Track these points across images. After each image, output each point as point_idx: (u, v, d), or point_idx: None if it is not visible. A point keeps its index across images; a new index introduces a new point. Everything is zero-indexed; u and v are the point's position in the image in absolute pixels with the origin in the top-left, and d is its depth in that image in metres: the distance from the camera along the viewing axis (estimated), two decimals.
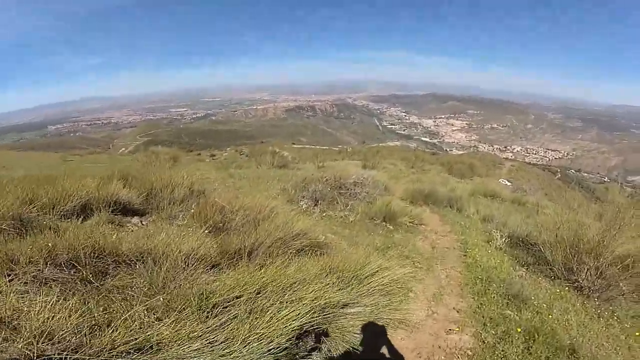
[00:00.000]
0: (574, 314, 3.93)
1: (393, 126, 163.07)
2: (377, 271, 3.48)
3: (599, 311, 4.11)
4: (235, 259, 3.53)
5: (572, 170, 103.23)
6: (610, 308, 4.17)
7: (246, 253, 3.52)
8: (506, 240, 6.33)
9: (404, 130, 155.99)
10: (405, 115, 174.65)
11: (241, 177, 10.40)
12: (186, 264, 3.08)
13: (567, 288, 4.54)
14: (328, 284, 2.92)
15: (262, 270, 2.85)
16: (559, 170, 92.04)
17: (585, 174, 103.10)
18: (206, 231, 4.45)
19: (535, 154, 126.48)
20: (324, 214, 6.72)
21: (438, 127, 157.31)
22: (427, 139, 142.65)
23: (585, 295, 4.39)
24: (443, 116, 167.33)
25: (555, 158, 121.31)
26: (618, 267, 4.22)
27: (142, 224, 5.16)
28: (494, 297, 4.06)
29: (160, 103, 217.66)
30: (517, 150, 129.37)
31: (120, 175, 8.10)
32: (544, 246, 5.15)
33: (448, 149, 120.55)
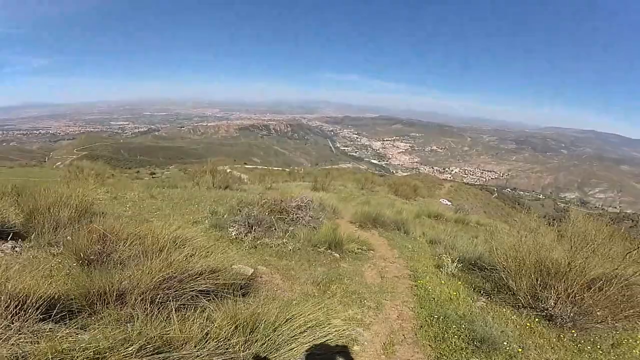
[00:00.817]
0: (552, 353, 3.37)
1: (346, 148, 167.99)
2: (306, 330, 2.57)
3: (578, 344, 3.60)
4: (98, 304, 2.45)
5: (508, 189, 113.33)
6: (590, 339, 3.70)
7: (114, 297, 2.43)
8: (458, 265, 5.85)
9: (355, 152, 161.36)
10: (357, 137, 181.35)
11: (166, 198, 8.97)
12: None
13: (536, 319, 4.03)
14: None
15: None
16: (495, 189, 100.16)
17: (521, 192, 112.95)
18: (75, 264, 3.31)
19: (473, 174, 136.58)
20: (258, 242, 5.70)
21: (385, 149, 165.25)
22: (376, 161, 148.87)
23: (559, 326, 3.91)
24: (389, 139, 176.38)
25: (491, 178, 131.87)
26: (591, 290, 3.79)
27: (15, 250, 4.01)
28: (455, 342, 3.37)
29: (102, 115, 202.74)
30: (456, 172, 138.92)
31: (13, 189, 6.46)
32: (505, 271, 4.67)
33: (394, 171, 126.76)
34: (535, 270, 4.31)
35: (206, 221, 6.55)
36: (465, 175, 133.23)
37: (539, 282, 4.24)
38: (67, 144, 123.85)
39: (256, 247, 5.47)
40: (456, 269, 5.76)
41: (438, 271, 5.82)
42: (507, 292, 4.66)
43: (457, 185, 63.16)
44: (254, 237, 5.75)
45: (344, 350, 2.88)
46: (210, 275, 3.07)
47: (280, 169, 54.91)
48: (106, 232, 3.88)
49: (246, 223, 5.95)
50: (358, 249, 6.25)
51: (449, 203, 41.87)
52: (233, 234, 5.74)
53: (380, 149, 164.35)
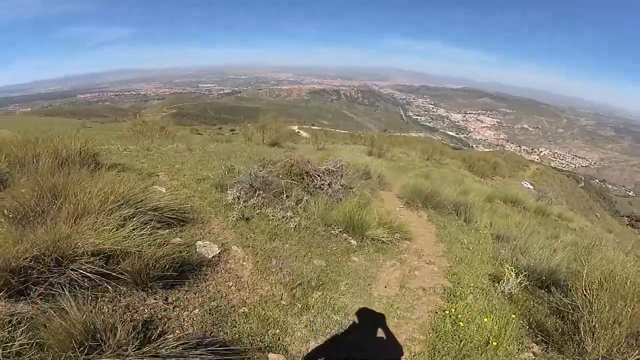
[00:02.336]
0: None
1: (419, 117, 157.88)
2: None
3: None
4: None
5: (597, 180, 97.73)
6: None
7: None
8: (522, 281, 4.00)
9: (429, 122, 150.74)
10: (433, 107, 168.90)
11: (204, 152, 8.38)
12: None
13: None
14: None
15: None
16: (583, 178, 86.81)
17: (610, 186, 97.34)
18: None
19: (562, 159, 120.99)
20: (257, 212, 4.55)
21: (467, 122, 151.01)
22: (452, 133, 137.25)
23: None
24: (473, 112, 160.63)
25: (581, 165, 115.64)
26: None
27: None
28: None
29: (189, 78, 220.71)
30: (544, 154, 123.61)
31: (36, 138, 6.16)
32: (585, 312, 2.83)
33: (474, 145, 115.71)
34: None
35: (216, 179, 5.65)
36: (554, 159, 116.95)
37: None
38: (157, 103, 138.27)
39: (248, 219, 4.33)
40: (517, 288, 3.94)
41: (491, 287, 4.05)
42: (578, 342, 2.84)
43: (543, 169, 55.04)
44: (254, 204, 4.63)
45: None
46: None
47: (345, 131, 53.44)
48: (42, 187, 3.10)
49: (250, 185, 4.85)
50: (387, 236, 4.71)
51: (531, 187, 36.34)
52: (229, 198, 4.69)
53: (461, 122, 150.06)
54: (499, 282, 4.09)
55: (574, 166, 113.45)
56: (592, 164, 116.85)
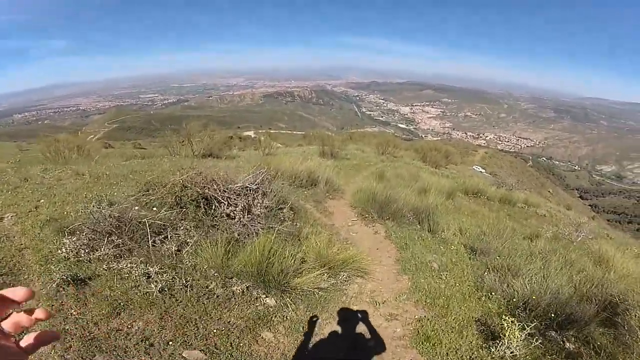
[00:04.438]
0: None
1: (371, 112, 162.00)
2: None
3: None
4: None
5: (544, 158, 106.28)
6: None
7: None
8: (527, 329, 2.64)
9: (382, 117, 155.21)
10: (383, 102, 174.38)
11: (96, 174, 6.22)
12: None
13: None
14: None
15: None
16: (530, 157, 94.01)
17: (557, 162, 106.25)
18: None
19: (508, 141, 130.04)
20: (106, 268, 2.73)
21: (414, 114, 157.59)
22: (403, 126, 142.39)
23: None
24: (419, 104, 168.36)
25: (527, 146, 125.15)
26: None
27: None
28: None
29: (130, 89, 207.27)
30: (490, 138, 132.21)
31: None
32: None
33: (423, 135, 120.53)
34: None
35: (69, 219, 3.73)
36: (500, 142, 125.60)
37: None
38: (98, 118, 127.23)
39: (84, 281, 2.52)
40: (522, 343, 2.57)
41: (485, 354, 2.66)
42: None
43: (491, 152, 57.78)
44: (100, 256, 2.82)
45: None
46: None
47: (301, 132, 52.08)
48: None
49: (92, 230, 3.02)
50: (327, 279, 3.14)
51: (483, 171, 37.62)
52: (63, 253, 2.84)
53: (409, 114, 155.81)
54: (493, 339, 2.69)
55: (519, 147, 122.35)
56: (537, 143, 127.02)
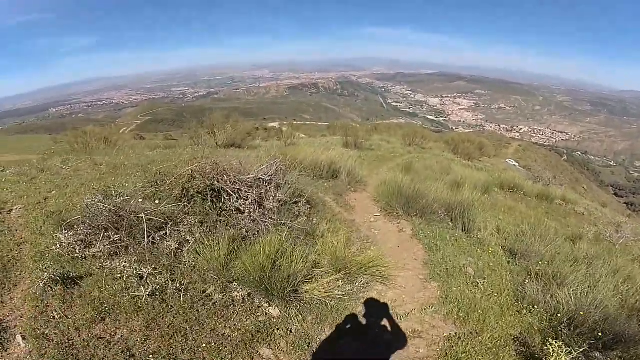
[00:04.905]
0: None
1: (398, 104, 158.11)
2: None
3: None
4: None
5: (579, 152, 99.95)
6: None
7: None
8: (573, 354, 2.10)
9: (409, 109, 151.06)
10: (410, 94, 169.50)
11: (111, 166, 6.16)
12: None
13: None
14: None
15: None
16: (565, 151, 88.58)
17: (592, 157, 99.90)
18: None
19: (542, 134, 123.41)
20: (99, 266, 2.45)
21: (444, 105, 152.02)
22: (432, 117, 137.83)
23: None
24: (449, 95, 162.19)
25: (562, 140, 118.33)
26: None
27: None
28: None
29: (161, 82, 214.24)
30: (524, 131, 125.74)
31: None
32: None
33: (454, 127, 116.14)
34: None
35: (71, 213, 3.54)
36: (534, 135, 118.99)
37: None
38: (131, 111, 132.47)
39: (76, 280, 2.26)
40: None
41: None
42: None
43: (525, 145, 54.75)
44: (95, 254, 2.55)
45: None
46: None
47: (325, 124, 51.58)
48: None
49: (89, 225, 2.75)
50: (341, 286, 2.71)
51: (517, 164, 35.64)
52: (57, 248, 2.60)
53: (438, 106, 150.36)
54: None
55: (554, 140, 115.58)
56: (573, 137, 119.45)
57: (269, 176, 3.82)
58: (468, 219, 4.66)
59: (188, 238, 2.88)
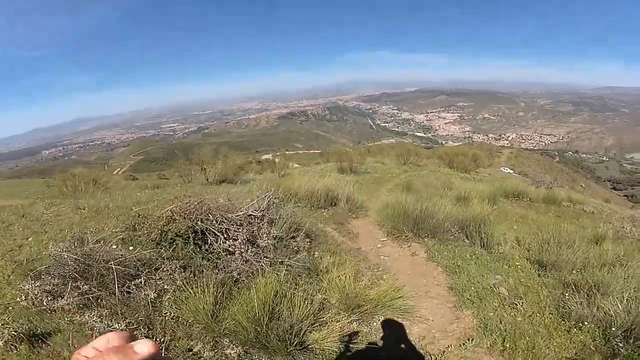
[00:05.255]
0: None
1: (386, 124, 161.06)
2: None
3: None
4: None
5: (570, 152, 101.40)
6: None
7: None
8: None
9: (397, 127, 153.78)
10: (397, 112, 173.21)
11: (92, 210, 5.66)
12: None
13: None
14: None
15: None
16: (556, 153, 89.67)
17: (584, 155, 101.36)
18: None
19: (531, 139, 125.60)
20: (68, 321, 1.94)
21: (430, 121, 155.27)
22: (421, 134, 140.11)
23: None
24: (434, 110, 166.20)
25: (551, 142, 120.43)
26: None
27: None
28: None
29: (150, 120, 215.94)
30: (512, 138, 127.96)
31: None
32: None
33: (443, 142, 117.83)
34: None
35: (44, 260, 3.05)
36: (523, 141, 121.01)
37: None
38: (123, 151, 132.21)
39: (42, 338, 1.75)
40: None
41: None
42: None
43: (516, 152, 55.38)
44: (63, 307, 2.06)
45: None
46: None
47: (318, 151, 51.67)
48: None
49: (58, 275, 2.27)
50: (356, 327, 2.22)
51: (511, 171, 35.69)
52: (22, 300, 2.11)
53: (425, 122, 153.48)
54: None
55: (544, 144, 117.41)
56: (561, 138, 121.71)
57: (260, 212, 3.38)
58: (485, 234, 4.21)
59: (166, 287, 2.38)
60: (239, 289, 2.47)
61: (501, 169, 36.84)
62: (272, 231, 3.30)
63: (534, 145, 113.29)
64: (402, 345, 2.38)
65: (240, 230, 3.21)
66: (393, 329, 2.48)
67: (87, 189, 10.46)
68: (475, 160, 22.29)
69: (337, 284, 2.61)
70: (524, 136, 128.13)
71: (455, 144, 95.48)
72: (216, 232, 3.13)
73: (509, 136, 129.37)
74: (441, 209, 4.66)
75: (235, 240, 3.04)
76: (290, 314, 2.08)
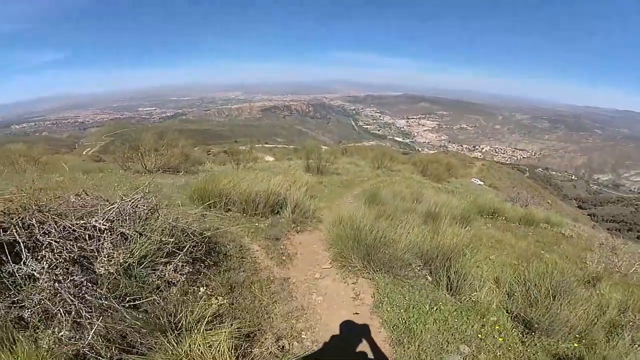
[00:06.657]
0: None
1: (368, 126, 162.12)
2: None
3: None
4: None
5: (540, 169, 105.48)
6: None
7: None
8: None
9: (378, 130, 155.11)
10: (379, 116, 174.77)
11: None
12: None
13: None
14: None
15: None
16: (527, 168, 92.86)
17: (553, 172, 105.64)
18: None
19: (504, 153, 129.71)
20: None
21: (410, 127, 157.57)
22: (400, 139, 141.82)
23: None
24: (415, 117, 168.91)
25: (523, 157, 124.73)
26: None
27: None
28: None
29: (127, 102, 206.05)
30: (486, 150, 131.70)
31: None
32: None
33: (420, 149, 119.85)
34: None
35: None
36: (496, 154, 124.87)
37: None
38: (96, 131, 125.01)
39: None
40: None
41: None
42: None
43: (488, 164, 56.36)
44: None
45: None
46: None
47: (293, 147, 50.39)
48: None
49: None
50: None
51: (482, 183, 35.95)
52: None
53: (405, 127, 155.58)
54: None
55: (516, 158, 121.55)
56: (533, 154, 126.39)
57: (107, 221, 2.16)
58: (455, 272, 3.16)
59: None
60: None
61: (472, 180, 37.14)
62: (118, 253, 2.08)
63: (507, 159, 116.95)
64: None
65: (72, 245, 1.99)
66: None
67: (25, 167, 9.10)
68: (449, 170, 21.79)
69: None
70: (497, 149, 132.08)
71: (431, 151, 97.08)
72: (23, 245, 1.89)
73: (482, 148, 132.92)
74: (403, 236, 3.58)
75: (42, 259, 1.82)
76: None
